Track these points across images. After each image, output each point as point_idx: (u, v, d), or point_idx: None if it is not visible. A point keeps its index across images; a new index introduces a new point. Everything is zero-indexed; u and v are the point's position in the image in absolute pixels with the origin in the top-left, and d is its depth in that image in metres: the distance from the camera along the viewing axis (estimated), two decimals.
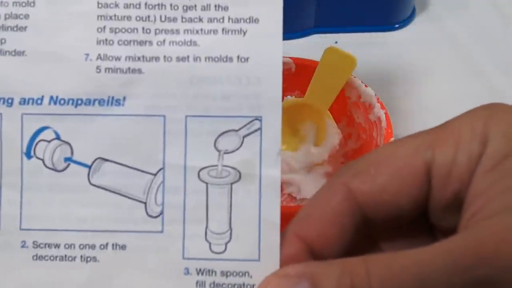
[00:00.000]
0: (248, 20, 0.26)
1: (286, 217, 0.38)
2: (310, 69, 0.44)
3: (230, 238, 0.25)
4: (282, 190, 0.43)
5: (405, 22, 0.58)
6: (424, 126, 0.50)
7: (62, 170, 0.26)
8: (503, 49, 0.55)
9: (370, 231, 0.25)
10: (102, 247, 0.25)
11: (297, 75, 0.44)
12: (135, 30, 0.26)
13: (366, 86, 0.43)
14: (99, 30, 0.26)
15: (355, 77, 0.43)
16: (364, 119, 0.43)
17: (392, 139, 0.40)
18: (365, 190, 0.24)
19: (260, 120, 0.26)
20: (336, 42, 0.56)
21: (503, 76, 0.53)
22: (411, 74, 0.53)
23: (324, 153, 0.43)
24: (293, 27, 0.56)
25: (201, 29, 0.26)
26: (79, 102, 0.26)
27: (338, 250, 0.24)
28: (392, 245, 0.25)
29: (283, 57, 0.43)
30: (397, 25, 0.57)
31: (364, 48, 0.55)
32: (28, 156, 0.26)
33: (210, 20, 0.26)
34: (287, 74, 0.44)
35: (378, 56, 0.54)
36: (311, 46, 0.55)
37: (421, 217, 0.25)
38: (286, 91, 0.45)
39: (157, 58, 0.26)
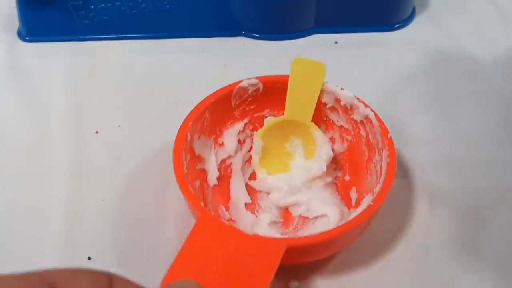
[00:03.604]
0: None
1: (310, 247, 0.36)
2: (277, 84, 0.43)
3: None
4: (292, 213, 0.42)
5: (405, 22, 0.58)
6: (424, 125, 0.51)
7: None
8: (503, 49, 0.55)
9: None
10: None
11: (265, 94, 0.44)
12: None
13: (342, 89, 0.42)
14: None
15: (327, 83, 0.43)
16: (345, 121, 0.43)
17: (389, 135, 0.40)
18: None
19: None
20: (336, 42, 0.56)
21: (503, 76, 0.53)
22: (411, 74, 0.53)
23: (323, 164, 0.43)
24: (293, 27, 0.56)
25: None
26: None
27: None
28: None
29: (250, 78, 0.43)
30: (397, 25, 0.57)
31: (364, 48, 0.55)
32: None
33: None
34: (255, 95, 0.44)
35: (378, 56, 0.55)
36: (311, 46, 0.55)
37: None
38: (255, 111, 0.45)
39: None
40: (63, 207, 0.43)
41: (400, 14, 0.58)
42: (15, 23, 0.56)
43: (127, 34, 0.56)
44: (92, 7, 0.54)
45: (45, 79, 0.52)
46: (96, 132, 0.48)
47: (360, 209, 0.39)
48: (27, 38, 0.56)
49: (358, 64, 0.54)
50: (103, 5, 0.54)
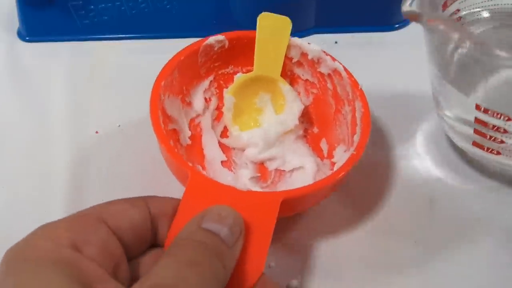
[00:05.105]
0: None
1: (305, 197, 0.37)
2: (243, 40, 0.43)
3: None
4: (267, 168, 0.43)
5: (405, 22, 0.58)
6: (424, 125, 0.51)
7: None
8: None
9: None
10: None
11: (230, 50, 0.43)
12: None
13: (309, 43, 0.43)
14: None
15: (293, 38, 0.43)
16: (311, 75, 0.44)
17: (360, 87, 0.40)
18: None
19: None
20: (336, 42, 0.56)
21: None
22: (412, 74, 0.53)
23: (295, 118, 0.43)
24: (293, 27, 0.56)
25: None
26: None
27: None
28: None
29: (217, 35, 0.42)
30: (397, 25, 0.57)
31: (364, 48, 0.55)
32: None
33: None
34: (220, 52, 0.43)
35: (378, 56, 0.55)
36: None
37: None
38: (219, 68, 0.44)
39: None
40: (63, 207, 0.43)
41: (400, 14, 0.57)
42: (15, 23, 0.56)
43: (127, 34, 0.56)
44: (92, 7, 0.55)
45: (45, 79, 0.52)
46: (96, 132, 0.48)
47: (338, 158, 0.40)
48: (27, 38, 0.56)
49: (358, 64, 0.54)
50: (103, 5, 0.55)
